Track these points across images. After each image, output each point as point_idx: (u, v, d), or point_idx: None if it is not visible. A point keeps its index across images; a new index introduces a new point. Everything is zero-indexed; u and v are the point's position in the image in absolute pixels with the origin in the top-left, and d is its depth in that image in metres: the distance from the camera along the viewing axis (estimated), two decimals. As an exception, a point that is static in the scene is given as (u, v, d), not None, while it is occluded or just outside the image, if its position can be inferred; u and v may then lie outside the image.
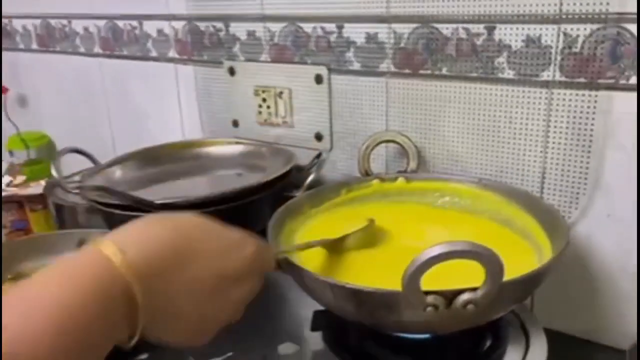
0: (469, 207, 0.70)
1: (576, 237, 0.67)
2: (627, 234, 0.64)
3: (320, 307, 0.60)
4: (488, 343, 0.60)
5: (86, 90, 1.20)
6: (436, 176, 0.74)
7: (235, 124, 0.96)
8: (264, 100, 0.90)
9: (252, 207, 0.70)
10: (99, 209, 0.67)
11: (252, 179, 0.77)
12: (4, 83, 1.30)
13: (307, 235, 0.65)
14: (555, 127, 0.66)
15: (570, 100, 0.64)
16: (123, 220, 0.67)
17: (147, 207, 0.61)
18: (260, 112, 0.91)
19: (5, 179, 0.93)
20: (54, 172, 0.76)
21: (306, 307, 0.66)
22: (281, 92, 0.88)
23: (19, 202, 0.92)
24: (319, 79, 0.83)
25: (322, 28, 0.81)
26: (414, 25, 0.73)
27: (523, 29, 0.65)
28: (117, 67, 1.11)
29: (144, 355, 0.60)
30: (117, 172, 0.80)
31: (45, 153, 1.31)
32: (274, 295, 0.70)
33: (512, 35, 0.66)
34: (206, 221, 0.42)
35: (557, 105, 0.65)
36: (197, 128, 1.02)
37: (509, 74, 0.67)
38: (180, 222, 0.41)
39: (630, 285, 0.66)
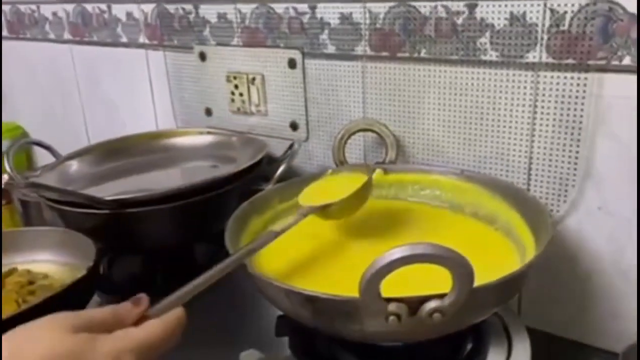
0: (450, 201, 0.65)
1: (565, 231, 0.62)
2: (620, 228, 0.59)
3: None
4: (468, 347, 0.55)
5: (58, 78, 1.15)
6: (416, 167, 0.69)
7: (209, 112, 0.91)
8: (236, 87, 0.85)
9: (219, 201, 0.65)
10: (49, 205, 0.63)
11: (223, 170, 0.72)
12: (-26, 72, 1.24)
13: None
14: (542, 113, 0.60)
15: (558, 83, 0.58)
16: (72, 217, 0.63)
17: (95, 204, 0.57)
18: (233, 100, 0.86)
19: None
20: (6, 166, 0.71)
21: (272, 311, 0.62)
22: (254, 78, 0.82)
23: (-19, 197, 0.87)
24: (292, 64, 0.78)
25: (295, 9, 0.75)
26: (390, 3, 0.67)
27: (506, 5, 0.59)
28: (88, 54, 1.06)
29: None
30: (75, 166, 0.75)
31: (21, 144, 1.26)
32: (238, 298, 0.65)
33: (495, 13, 0.60)
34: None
35: (544, 89, 0.59)
36: (170, 117, 0.97)
37: (492, 55, 0.62)
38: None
39: (623, 283, 0.61)
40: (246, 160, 0.71)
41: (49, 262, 0.63)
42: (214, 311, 0.63)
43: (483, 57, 0.62)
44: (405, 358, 0.54)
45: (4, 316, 0.54)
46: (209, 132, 0.84)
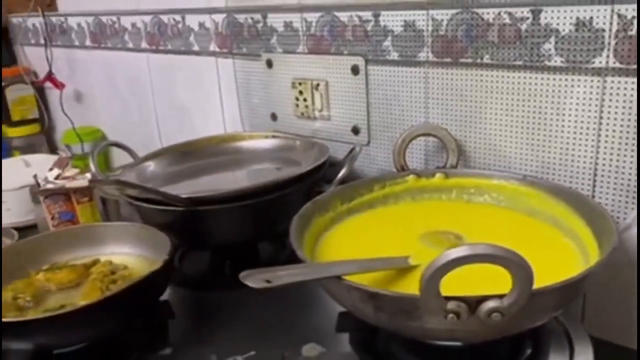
0: (511, 206, 0.65)
1: (631, 240, 0.61)
2: (691, 238, 0.57)
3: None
4: (528, 352, 0.55)
5: (135, 85, 1.22)
6: (477, 172, 0.69)
7: (274, 117, 0.95)
8: (301, 92, 0.88)
9: (282, 202, 0.68)
10: (129, 202, 0.68)
11: (287, 172, 0.75)
12: (62, 79, 1.35)
13: (339, 237, 0.63)
14: (608, 119, 0.60)
15: (625, 88, 0.57)
16: (150, 213, 0.68)
17: (172, 201, 0.61)
18: (297, 105, 0.89)
19: (54, 171, 0.96)
20: (92, 166, 0.78)
21: (331, 307, 0.64)
22: (318, 84, 0.85)
23: (66, 194, 0.94)
24: (355, 70, 0.80)
25: (359, 17, 0.78)
26: (454, 10, 0.68)
27: (572, 11, 0.59)
28: (162, 62, 1.13)
29: (168, 350, 0.60)
30: (152, 166, 0.80)
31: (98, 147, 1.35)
32: (301, 294, 0.68)
33: (560, 19, 0.60)
34: None
35: (611, 94, 0.59)
36: (238, 121, 1.02)
37: (557, 61, 0.62)
38: None
39: (694, 295, 0.59)
40: (310, 163, 0.74)
41: (128, 254, 0.68)
42: (275, 304, 0.66)
43: (547, 63, 0.62)
44: (464, 359, 0.55)
45: (90, 301, 0.59)
46: (274, 136, 0.88)
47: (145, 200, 0.66)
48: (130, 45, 1.18)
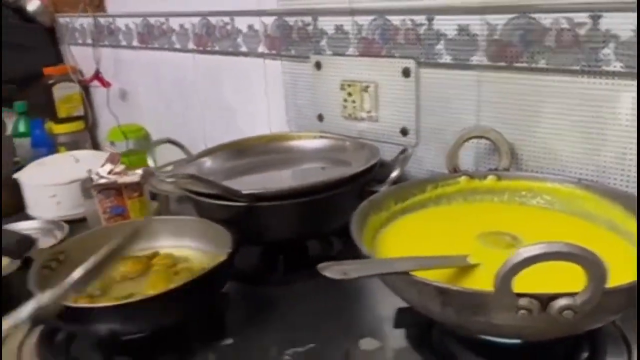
0: (565, 209, 0.66)
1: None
2: None
3: (404, 304, 0.59)
4: (585, 355, 0.56)
5: (181, 85, 1.26)
6: (530, 175, 0.70)
7: (320, 118, 0.96)
8: (350, 94, 0.90)
9: (336, 201, 0.70)
10: (189, 197, 0.70)
11: (337, 172, 0.77)
12: (107, 78, 1.39)
13: (395, 235, 0.64)
14: (668, 124, 0.60)
15: (687, 94, 0.58)
16: (210, 208, 0.70)
17: (234, 197, 0.63)
18: (345, 107, 0.91)
19: (107, 167, 0.99)
20: (150, 162, 0.80)
21: (390, 303, 0.65)
22: (367, 86, 0.87)
23: (118, 189, 0.97)
24: (406, 73, 0.82)
25: (412, 20, 0.79)
26: (510, 15, 0.69)
27: (633, 17, 0.59)
28: (210, 63, 1.16)
29: (229, 341, 0.62)
30: (208, 163, 0.83)
31: (142, 144, 1.39)
32: (357, 289, 0.70)
33: (620, 25, 0.61)
34: None
35: (672, 100, 0.59)
36: (283, 122, 1.04)
37: (616, 66, 0.62)
38: None
39: None
40: (360, 164, 0.76)
41: (187, 247, 0.71)
42: (328, 299, 0.68)
43: (606, 68, 0.63)
44: (520, 358, 0.56)
45: (162, 289, 0.62)
46: (322, 136, 0.90)
47: (206, 196, 0.69)
48: (177, 45, 1.21)
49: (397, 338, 0.60)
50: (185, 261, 0.68)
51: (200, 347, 0.61)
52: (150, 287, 0.62)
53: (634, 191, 0.64)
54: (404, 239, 0.64)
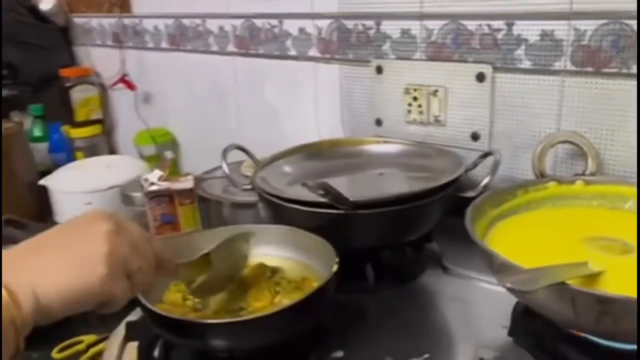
0: (659, 213, 0.66)
1: None
2: None
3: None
4: None
5: (215, 88, 1.23)
6: (621, 179, 0.70)
7: (379, 122, 0.95)
8: (415, 99, 0.89)
9: (429, 208, 0.69)
10: (273, 203, 0.68)
11: (420, 179, 0.76)
12: (134, 80, 1.34)
13: (499, 241, 0.63)
14: None
15: None
16: (302, 216, 0.67)
17: (341, 204, 0.62)
18: (409, 111, 0.90)
19: (156, 172, 0.96)
20: (224, 168, 0.78)
21: (485, 310, 0.65)
22: (436, 91, 0.86)
23: (170, 196, 0.94)
24: (480, 77, 0.81)
25: (489, 25, 0.79)
26: (601, 21, 0.69)
27: None
28: (251, 65, 1.13)
29: (340, 353, 0.60)
30: (285, 167, 0.81)
31: (169, 149, 1.35)
32: (448, 297, 0.70)
33: None
34: None
35: None
36: (334, 127, 1.02)
37: None
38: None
39: None
40: (442, 170, 0.75)
41: (277, 257, 0.69)
42: (425, 306, 0.68)
43: None
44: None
45: (265, 303, 0.60)
46: (396, 142, 0.88)
47: (297, 202, 0.67)
48: (215, 48, 1.18)
49: (512, 347, 0.60)
50: (280, 271, 0.66)
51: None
52: (255, 300, 0.60)
53: None
54: (510, 245, 0.63)
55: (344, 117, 1.00)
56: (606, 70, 0.71)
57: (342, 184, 0.79)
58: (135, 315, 0.65)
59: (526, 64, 0.77)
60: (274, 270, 0.66)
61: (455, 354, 0.60)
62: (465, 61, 0.83)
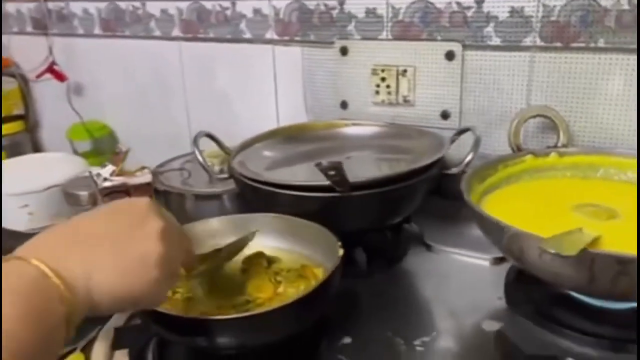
0: (633, 179, 0.70)
1: None
2: None
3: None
4: None
5: (160, 76, 1.15)
6: (591, 149, 0.73)
7: (344, 105, 0.94)
8: (383, 79, 0.88)
9: (416, 188, 0.68)
10: (260, 189, 0.65)
11: (403, 160, 0.75)
12: (63, 70, 1.23)
13: (493, 212, 0.64)
14: None
15: None
16: (293, 201, 0.64)
17: (343, 188, 0.59)
18: (377, 92, 0.89)
19: (109, 168, 0.88)
20: (198, 157, 0.73)
21: (484, 286, 0.66)
22: (405, 70, 0.86)
23: (126, 192, 0.87)
24: (450, 56, 0.82)
25: (458, 3, 0.79)
26: (569, -3, 0.72)
27: (699, -2, 0.65)
28: (201, 51, 1.07)
29: (348, 339, 0.58)
30: (264, 152, 0.77)
31: (107, 143, 1.26)
32: (439, 275, 0.70)
33: (683, 5, 0.66)
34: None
35: None
36: (296, 111, 0.99)
37: (676, 43, 0.67)
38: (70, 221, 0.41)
39: None
40: (423, 150, 0.74)
41: (271, 247, 0.65)
42: (419, 286, 0.69)
43: (666, 46, 0.68)
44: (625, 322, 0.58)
45: (268, 294, 0.56)
46: (375, 124, 0.86)
47: (288, 188, 0.64)
48: (158, 33, 1.11)
49: (515, 317, 0.60)
50: (276, 261, 0.62)
51: (322, 351, 0.56)
52: (257, 291, 0.57)
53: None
54: (503, 218, 0.64)
55: (307, 100, 0.98)
56: (574, 45, 0.73)
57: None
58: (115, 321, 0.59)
59: (496, 41, 0.78)
60: (269, 260, 0.62)
61: (461, 329, 0.59)
62: (434, 40, 0.83)
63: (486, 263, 0.73)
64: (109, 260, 0.38)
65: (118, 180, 0.87)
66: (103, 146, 1.25)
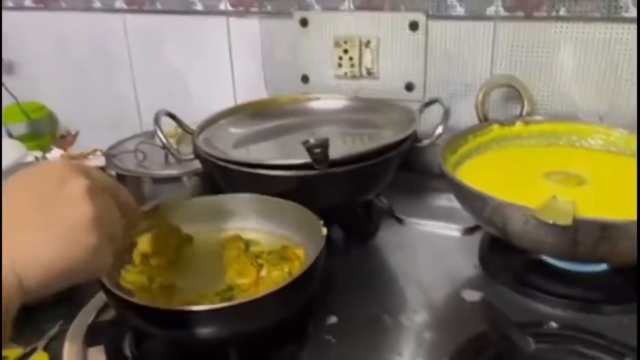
0: (597, 146, 0.72)
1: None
2: None
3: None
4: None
5: (102, 53, 1.07)
6: (554, 118, 0.75)
7: (305, 79, 0.91)
8: (346, 51, 0.86)
9: (391, 162, 0.67)
10: (232, 170, 0.62)
11: (375, 134, 0.74)
12: (-9, 47, 1.12)
13: (469, 180, 0.64)
14: (678, 62, 0.69)
15: (700, 35, 0.67)
16: (267, 180, 0.62)
17: (322, 165, 0.57)
18: (340, 65, 0.87)
19: (55, 152, 0.82)
20: (161, 137, 0.68)
21: (460, 258, 0.67)
22: (368, 42, 0.84)
23: (78, 177, 0.82)
24: (414, 26, 0.81)
25: (421, -28, 0.78)
26: (531, -34, 0.72)
27: (657, -34, 0.66)
28: (147, 24, 1.00)
29: (334, 319, 0.57)
30: (231, 129, 0.73)
31: (46, 126, 1.17)
32: (412, 249, 0.70)
33: (640, -27, 0.67)
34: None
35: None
36: (254, 87, 0.96)
37: (633, 12, 0.69)
38: None
39: None
40: (393, 125, 0.73)
41: (242, 228, 0.62)
42: (395, 260, 0.69)
43: (625, 14, 0.70)
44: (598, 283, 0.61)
45: (250, 280, 0.54)
46: (339, 98, 0.83)
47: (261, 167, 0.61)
48: (98, 5, 1.03)
49: (493, 285, 0.61)
50: (253, 243, 0.60)
51: (310, 333, 0.55)
52: (239, 276, 0.54)
53: (647, 124, 0.73)
54: (479, 187, 0.64)
55: (267, 75, 0.94)
56: (536, 14, 0.74)
57: (297, 144, 0.74)
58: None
59: (460, 11, 0.78)
60: (247, 243, 0.60)
61: (443, 300, 0.60)
62: (398, 10, 0.81)
63: (457, 233, 0.73)
64: (32, 236, 0.34)
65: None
66: (42, 129, 1.16)
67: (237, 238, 0.59)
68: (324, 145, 0.53)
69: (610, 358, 0.47)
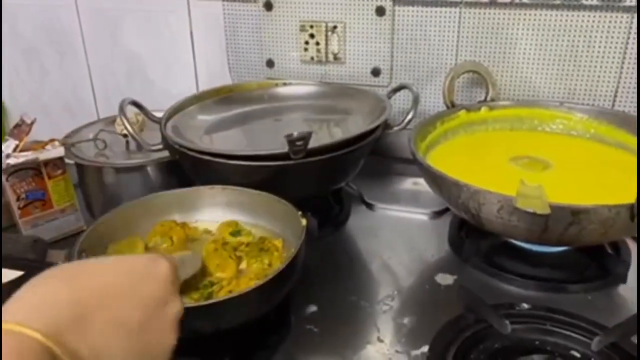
0: (558, 130, 0.75)
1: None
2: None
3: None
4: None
5: (54, 38, 1.02)
6: (518, 103, 0.77)
7: (270, 64, 0.90)
8: (312, 36, 0.85)
9: (364, 150, 0.68)
10: (204, 161, 0.60)
11: (345, 121, 0.74)
12: None
13: (439, 164, 0.65)
14: (632, 49, 0.72)
15: (652, 23, 0.70)
16: (242, 170, 0.61)
17: (298, 155, 0.57)
18: (306, 49, 0.86)
19: (10, 143, 0.77)
20: (127, 126, 0.66)
21: (422, 243, 0.68)
22: (335, 27, 0.83)
23: (36, 169, 0.78)
24: (380, 11, 0.81)
25: (387, -44, 0.78)
26: (496, -47, 0.73)
27: (615, -44, 0.69)
28: (101, 6, 0.96)
29: (314, 308, 0.57)
30: (199, 116, 0.71)
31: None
32: (398, 234, 0.71)
33: (599, -37, 0.70)
34: (103, 262, 0.40)
35: (635, 28, 0.71)
36: (216, 73, 0.94)
37: (593, 0, 0.72)
38: (73, 273, 0.37)
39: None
40: (364, 111, 0.74)
41: (216, 221, 0.61)
42: (368, 247, 0.70)
43: (584, 2, 0.72)
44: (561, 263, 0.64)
45: (230, 274, 0.53)
46: (307, 84, 0.83)
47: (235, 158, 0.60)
48: (47, -15, 0.98)
49: (465, 268, 0.63)
50: (249, 234, 0.59)
51: (292, 323, 0.55)
52: (219, 270, 0.53)
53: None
54: (449, 172, 0.65)
55: (230, 59, 0.92)
56: (500, 0, 0.75)
57: (266, 131, 0.73)
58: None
59: (426, -4, 0.78)
60: (235, 232, 0.59)
61: (418, 285, 0.61)
62: (364, -6, 0.81)
63: (425, 217, 0.75)
64: (119, 346, 0.34)
65: (26, 156, 0.77)
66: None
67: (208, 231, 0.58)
68: (305, 138, 0.52)
69: (579, 335, 0.50)
